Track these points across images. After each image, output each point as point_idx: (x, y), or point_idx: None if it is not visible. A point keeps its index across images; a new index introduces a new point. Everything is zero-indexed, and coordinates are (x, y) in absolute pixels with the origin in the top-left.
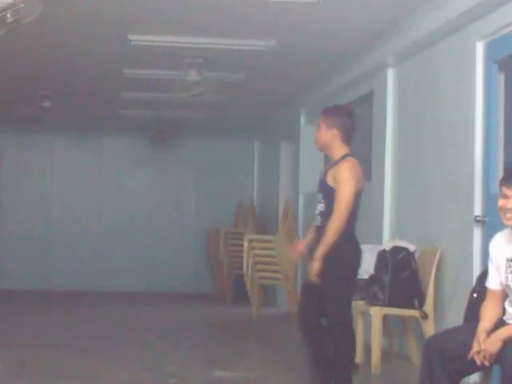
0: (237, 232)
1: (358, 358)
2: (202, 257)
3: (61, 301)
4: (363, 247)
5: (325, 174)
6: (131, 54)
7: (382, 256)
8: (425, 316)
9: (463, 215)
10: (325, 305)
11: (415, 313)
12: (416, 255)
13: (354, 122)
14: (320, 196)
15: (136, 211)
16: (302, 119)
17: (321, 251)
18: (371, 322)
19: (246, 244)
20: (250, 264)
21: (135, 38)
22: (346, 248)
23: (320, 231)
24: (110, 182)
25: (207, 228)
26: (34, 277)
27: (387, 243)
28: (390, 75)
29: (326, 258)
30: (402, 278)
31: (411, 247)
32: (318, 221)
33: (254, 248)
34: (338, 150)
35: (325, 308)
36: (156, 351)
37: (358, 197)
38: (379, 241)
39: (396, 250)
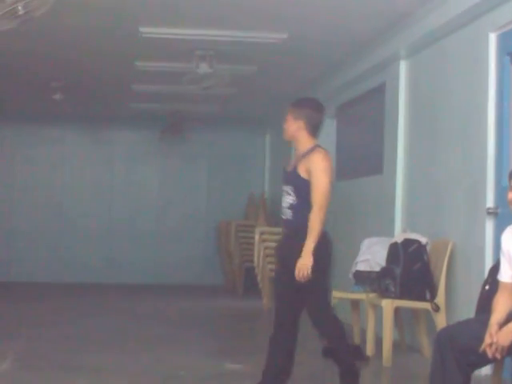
0: (248, 224)
1: (369, 350)
2: (212, 249)
3: (71, 293)
4: (374, 240)
5: (294, 165)
6: (142, 47)
7: (393, 248)
8: (436, 308)
9: (475, 207)
10: (303, 297)
11: (427, 305)
12: (428, 247)
13: (322, 115)
14: (288, 188)
15: (147, 204)
16: None
17: (310, 246)
18: (383, 315)
19: (256, 236)
20: (261, 256)
21: (146, 31)
22: (320, 240)
23: (289, 225)
24: (120, 175)
25: (218, 220)
26: (46, 269)
27: (399, 236)
28: (403, 67)
29: (299, 251)
30: (413, 271)
31: (423, 239)
32: (287, 214)
33: (264, 240)
34: (305, 141)
35: (303, 300)
36: (166, 343)
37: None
38: (391, 233)
39: (408, 242)
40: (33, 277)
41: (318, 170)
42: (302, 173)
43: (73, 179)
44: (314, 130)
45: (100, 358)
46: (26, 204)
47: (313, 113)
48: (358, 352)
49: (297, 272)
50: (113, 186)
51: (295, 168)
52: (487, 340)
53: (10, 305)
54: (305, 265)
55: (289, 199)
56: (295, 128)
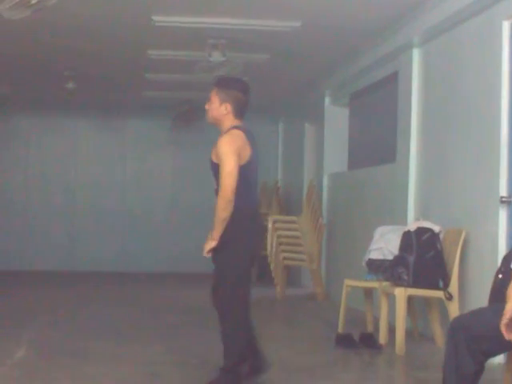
0: (261, 213)
1: (382, 339)
2: None
3: (85, 282)
4: (387, 228)
5: (212, 151)
6: (155, 35)
7: (406, 237)
8: (449, 297)
9: (488, 196)
10: (216, 283)
11: (440, 294)
12: (441, 236)
13: (248, 97)
14: (212, 174)
15: (159, 192)
16: (327, 100)
17: (215, 232)
18: (396, 303)
19: (270, 225)
20: (274, 245)
21: (159, 19)
22: (239, 225)
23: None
24: (133, 164)
25: None
26: (59, 258)
27: (412, 224)
28: (416, 55)
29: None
30: (426, 259)
31: (436, 228)
32: (215, 200)
33: (278, 229)
34: (228, 124)
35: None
36: (180, 332)
37: (247, 169)
38: (404, 222)
39: (421, 230)
40: (46, 265)
41: (223, 154)
42: (214, 158)
43: (85, 168)
44: (240, 112)
45: (113, 347)
46: (39, 193)
47: (240, 95)
48: (372, 340)
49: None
50: (125, 175)
51: (211, 153)
52: (504, 319)
53: (25, 293)
54: (205, 246)
55: (214, 184)
56: (221, 111)
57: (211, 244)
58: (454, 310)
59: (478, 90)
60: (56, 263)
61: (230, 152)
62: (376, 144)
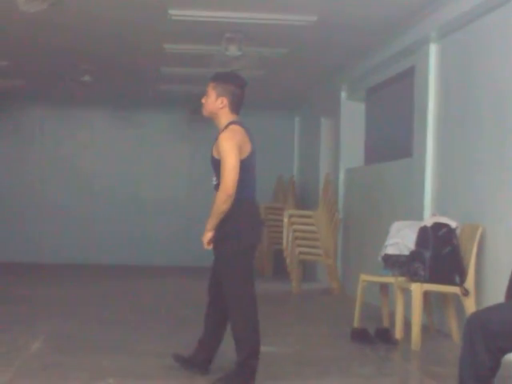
0: (277, 207)
1: (398, 334)
2: None
3: (100, 275)
4: (403, 223)
5: (212, 146)
6: (171, 29)
7: (423, 232)
8: (466, 293)
9: (505, 191)
10: (220, 280)
11: (456, 289)
12: (457, 231)
13: (244, 92)
14: (212, 169)
15: (175, 185)
16: (343, 94)
17: (210, 223)
18: (411, 298)
19: (285, 219)
20: (290, 239)
21: (176, 13)
22: (240, 218)
23: None
24: (149, 157)
25: None
26: (75, 250)
27: (428, 219)
28: (433, 50)
29: (220, 229)
30: (443, 255)
31: (453, 224)
32: (214, 195)
33: (293, 223)
34: (225, 118)
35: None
36: (192, 326)
37: (247, 163)
38: (420, 217)
39: (437, 226)
40: (62, 258)
41: (224, 151)
42: (215, 153)
43: (102, 161)
44: (237, 107)
45: (128, 339)
46: (55, 185)
47: (237, 90)
48: (387, 335)
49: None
50: (141, 168)
51: (212, 149)
52: None
53: (41, 285)
54: (203, 239)
55: (213, 180)
56: (218, 105)
57: (208, 235)
58: (470, 305)
59: (496, 84)
60: (71, 255)
61: (232, 147)
62: (392, 139)
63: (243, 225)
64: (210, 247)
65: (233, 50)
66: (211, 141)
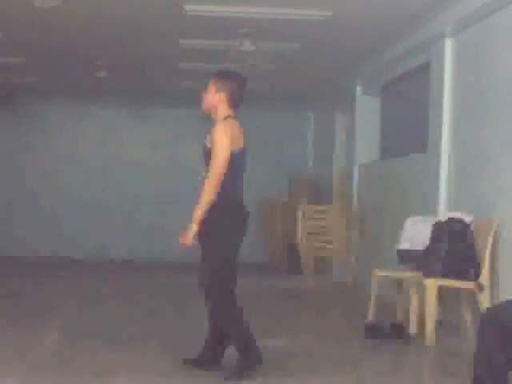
0: (291, 202)
1: (412, 329)
2: (256, 227)
3: (114, 269)
4: (418, 218)
5: (206, 137)
6: (187, 25)
7: (437, 227)
8: (480, 288)
9: None
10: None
11: (470, 284)
12: (472, 227)
13: (243, 91)
14: (205, 161)
15: (191, 181)
16: (358, 90)
17: (196, 214)
18: (426, 293)
19: (300, 214)
20: (305, 234)
21: (191, 9)
22: (226, 211)
23: None
24: (164, 152)
25: (262, 198)
26: (91, 245)
27: (443, 214)
28: (448, 45)
29: (206, 221)
30: (457, 250)
31: (467, 219)
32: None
33: (308, 218)
34: (222, 113)
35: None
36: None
37: (238, 157)
38: (435, 212)
39: (452, 221)
40: (76, 252)
41: (217, 142)
42: (208, 144)
43: (117, 156)
44: (235, 103)
45: (143, 333)
46: (70, 180)
47: (236, 87)
48: (401, 330)
49: (180, 238)
50: (157, 163)
51: (206, 140)
52: None
53: (55, 280)
54: (187, 232)
55: (206, 170)
56: (215, 99)
57: (193, 228)
58: (484, 300)
59: (510, 79)
60: (86, 250)
61: (224, 139)
62: (407, 134)
63: (230, 219)
64: (190, 244)
65: (247, 46)
66: None
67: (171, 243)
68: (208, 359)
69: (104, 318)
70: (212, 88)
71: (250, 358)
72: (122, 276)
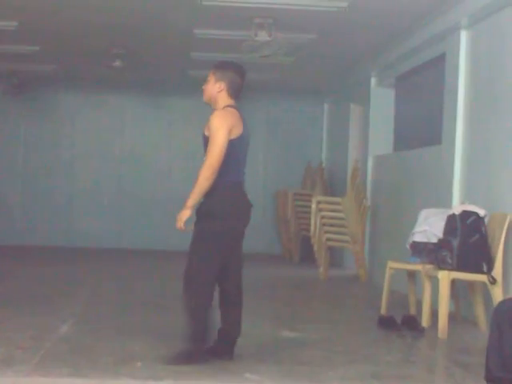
0: (305, 193)
1: (425, 322)
2: (269, 218)
3: (132, 258)
4: (431, 211)
5: (205, 125)
6: (202, 14)
7: (451, 220)
8: (493, 281)
9: None
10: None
11: (483, 278)
12: (486, 220)
13: (243, 81)
14: (203, 149)
15: None
16: (373, 81)
17: (191, 199)
18: (439, 286)
19: (313, 206)
20: (318, 226)
21: None
22: (225, 199)
23: None
24: (179, 141)
25: (275, 189)
26: (106, 234)
27: (457, 207)
28: (463, 37)
29: (202, 208)
30: (470, 243)
31: (481, 212)
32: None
33: (321, 210)
34: (222, 102)
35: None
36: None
37: (237, 145)
38: (449, 205)
39: (466, 214)
40: (91, 242)
41: (215, 129)
42: (206, 131)
43: (131, 145)
44: (234, 93)
45: (157, 322)
46: (85, 170)
47: (235, 76)
48: (414, 323)
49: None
50: (171, 153)
51: (204, 127)
52: None
53: (69, 268)
54: (179, 217)
55: (204, 158)
56: (216, 89)
57: (187, 213)
58: (497, 294)
59: None
60: (101, 240)
61: (222, 126)
62: (422, 126)
63: (227, 206)
64: (184, 228)
65: (262, 36)
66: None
67: (182, 234)
68: (223, 349)
69: (118, 307)
70: (212, 78)
71: (196, 350)
72: (133, 264)
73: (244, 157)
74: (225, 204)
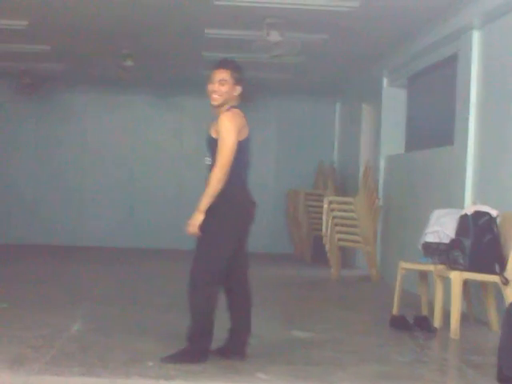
0: (316, 193)
1: (437, 322)
2: (281, 217)
3: (143, 257)
4: (443, 211)
5: (210, 128)
6: (213, 14)
7: (463, 220)
8: (505, 281)
9: None
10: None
11: (496, 278)
12: (498, 220)
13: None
14: (207, 150)
15: None
16: (384, 81)
17: (204, 203)
18: (451, 287)
19: (325, 205)
20: (330, 225)
21: None
22: (229, 197)
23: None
24: (190, 141)
25: (287, 189)
26: (117, 234)
27: (469, 208)
28: (476, 37)
29: (209, 209)
30: (483, 243)
31: (493, 212)
32: (207, 175)
33: (333, 209)
34: (228, 105)
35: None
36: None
37: (244, 146)
38: (461, 205)
39: (478, 214)
40: (102, 242)
41: (223, 131)
42: (213, 133)
43: (142, 144)
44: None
45: (166, 322)
46: (96, 169)
47: (244, 79)
48: (426, 323)
49: (187, 228)
50: (182, 153)
51: (210, 130)
52: None
53: (79, 268)
54: (192, 222)
55: (207, 161)
56: (235, 93)
57: (199, 217)
58: (509, 294)
59: None
60: (111, 240)
61: (232, 128)
62: (434, 126)
63: (232, 205)
64: (197, 233)
65: (274, 36)
66: (251, 125)
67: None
68: (235, 348)
69: (128, 306)
70: (230, 81)
71: (196, 350)
72: (143, 264)
73: (248, 158)
74: (229, 203)
